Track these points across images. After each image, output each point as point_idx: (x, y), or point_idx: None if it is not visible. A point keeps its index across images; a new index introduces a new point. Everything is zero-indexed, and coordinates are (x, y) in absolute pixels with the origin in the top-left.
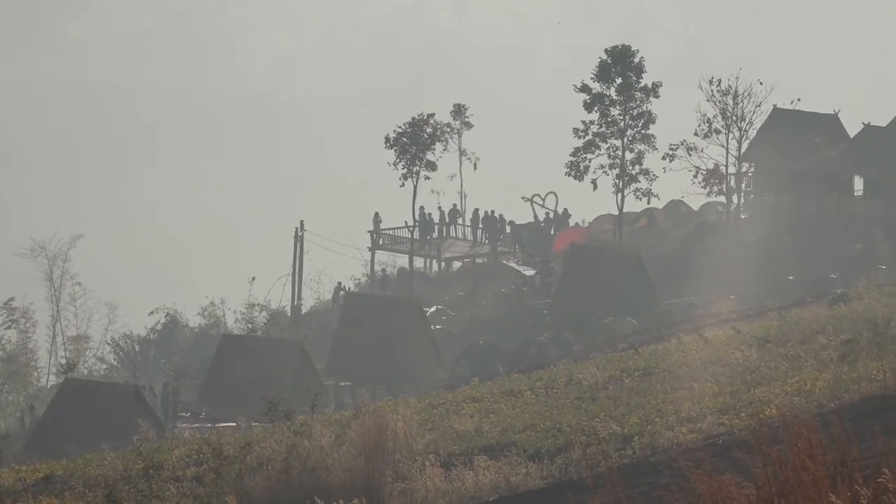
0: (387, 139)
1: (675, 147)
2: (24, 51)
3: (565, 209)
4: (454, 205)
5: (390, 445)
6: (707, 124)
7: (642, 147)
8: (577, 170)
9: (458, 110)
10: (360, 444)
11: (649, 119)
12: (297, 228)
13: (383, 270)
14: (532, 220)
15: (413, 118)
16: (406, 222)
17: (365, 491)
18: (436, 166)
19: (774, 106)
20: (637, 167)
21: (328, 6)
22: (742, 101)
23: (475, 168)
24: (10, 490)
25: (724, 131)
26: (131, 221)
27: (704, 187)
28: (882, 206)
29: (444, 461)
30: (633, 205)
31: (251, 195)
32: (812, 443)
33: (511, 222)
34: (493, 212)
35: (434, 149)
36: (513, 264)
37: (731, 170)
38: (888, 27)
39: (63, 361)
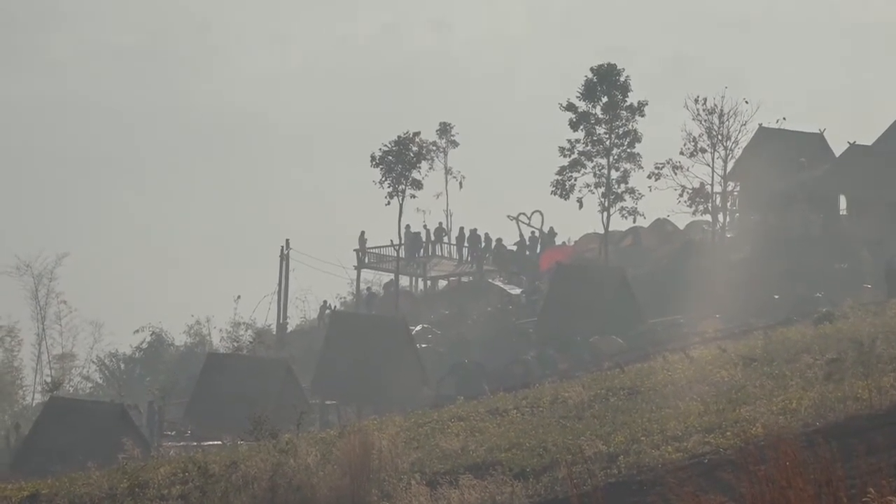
0: (372, 157)
1: (660, 166)
2: (6, 69)
3: (551, 228)
4: (440, 223)
5: (376, 464)
6: (693, 143)
7: (628, 166)
8: (562, 188)
9: (444, 129)
10: (346, 462)
11: (635, 138)
12: (282, 247)
13: (369, 289)
14: (518, 238)
15: (399, 137)
16: (392, 241)
17: None
18: (421, 185)
19: (760, 125)
20: (623, 186)
21: (312, 25)
22: (727, 120)
23: (461, 186)
24: None
25: (709, 150)
26: (117, 240)
27: (690, 206)
28: (867, 226)
29: (429, 480)
30: (619, 223)
31: (237, 214)
32: (798, 462)
33: (499, 240)
34: (477, 230)
35: (420, 167)
36: (498, 283)
37: (717, 189)
38: (872, 47)
39: (48, 380)
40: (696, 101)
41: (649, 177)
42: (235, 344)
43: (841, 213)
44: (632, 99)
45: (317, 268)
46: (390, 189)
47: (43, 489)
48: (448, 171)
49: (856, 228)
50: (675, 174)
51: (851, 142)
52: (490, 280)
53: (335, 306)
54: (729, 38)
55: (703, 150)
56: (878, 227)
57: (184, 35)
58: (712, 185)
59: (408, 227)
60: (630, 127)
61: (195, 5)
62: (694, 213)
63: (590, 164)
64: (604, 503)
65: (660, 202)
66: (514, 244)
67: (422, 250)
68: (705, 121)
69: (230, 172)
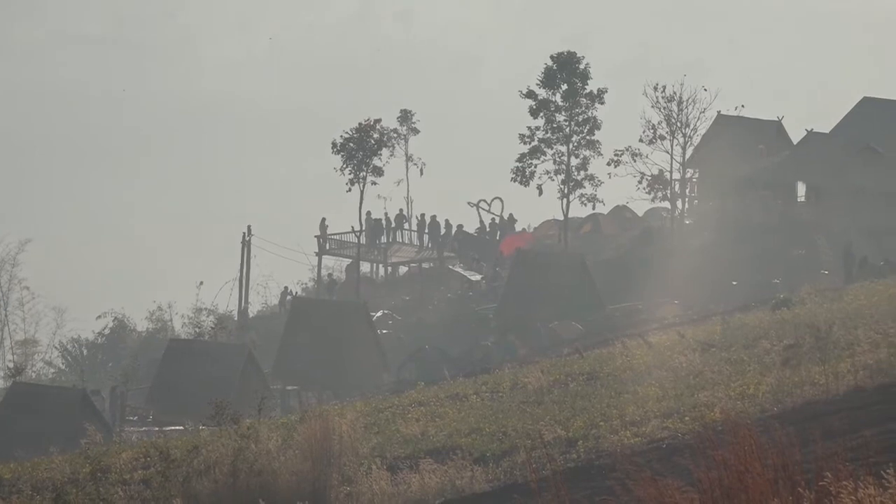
0: (333, 144)
1: (619, 153)
2: None
3: (511, 214)
4: (400, 210)
5: (336, 449)
6: (652, 130)
7: (587, 153)
8: (522, 175)
9: (405, 116)
10: (307, 447)
11: (594, 125)
12: (244, 233)
13: (330, 275)
14: (478, 225)
15: (360, 124)
16: (353, 227)
17: (311, 494)
18: (382, 172)
19: (718, 112)
20: (582, 173)
21: (276, 13)
22: (686, 107)
23: (422, 173)
24: None
25: (668, 137)
26: (80, 226)
27: (649, 193)
28: (824, 212)
29: (389, 465)
30: (579, 210)
31: (199, 200)
32: (755, 446)
33: (459, 227)
34: (436, 217)
35: (381, 154)
36: (459, 269)
37: (676, 176)
38: (831, 37)
39: (11, 365)
40: (656, 88)
41: (609, 164)
42: (197, 330)
43: (799, 199)
44: (591, 86)
45: (278, 254)
46: (351, 176)
47: (5, 474)
48: (409, 158)
49: (813, 215)
50: (635, 161)
51: (809, 129)
52: (450, 266)
53: (296, 292)
54: (689, 27)
55: (662, 138)
56: (835, 213)
57: (150, 22)
58: (671, 172)
59: (369, 213)
60: (589, 114)
61: None
62: (653, 200)
63: (550, 152)
64: (563, 488)
65: (619, 189)
66: (475, 230)
67: (383, 237)
68: (664, 108)
69: (193, 158)
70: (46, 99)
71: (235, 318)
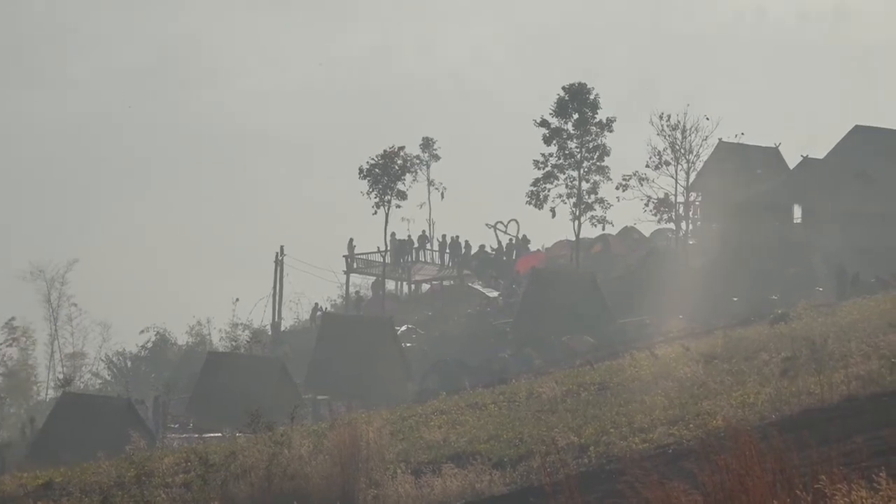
0: (360, 170)
1: (627, 178)
2: (27, 86)
3: (525, 235)
4: (423, 231)
5: (364, 454)
6: (657, 156)
7: (597, 178)
8: (536, 199)
9: (427, 143)
10: (336, 453)
11: (604, 152)
12: (277, 253)
13: (357, 292)
14: (496, 245)
15: (385, 151)
16: (378, 247)
17: (341, 497)
18: (406, 195)
19: (720, 140)
20: (592, 196)
21: (304, 48)
22: (690, 135)
23: (442, 197)
24: (12, 496)
25: (673, 163)
26: (124, 246)
27: (655, 215)
28: (819, 233)
29: (414, 469)
30: (589, 231)
31: (235, 222)
32: (755, 452)
33: (482, 247)
34: (458, 238)
35: (404, 179)
36: (478, 286)
37: (680, 199)
38: (825, 70)
39: (61, 377)
40: (661, 117)
41: (617, 188)
42: (234, 343)
43: (795, 221)
44: (601, 115)
45: (309, 272)
46: (377, 199)
47: (56, 477)
48: (431, 182)
49: (808, 235)
50: (641, 185)
51: (804, 155)
52: (470, 284)
53: (326, 308)
54: (692, 59)
55: (667, 164)
56: (828, 234)
57: (187, 57)
58: (676, 195)
59: (393, 234)
60: (599, 141)
61: (198, 30)
62: (659, 222)
63: (562, 176)
64: (576, 491)
65: (627, 211)
66: (493, 250)
67: (407, 256)
68: (669, 136)
69: (229, 183)
70: (92, 127)
71: (269, 333)
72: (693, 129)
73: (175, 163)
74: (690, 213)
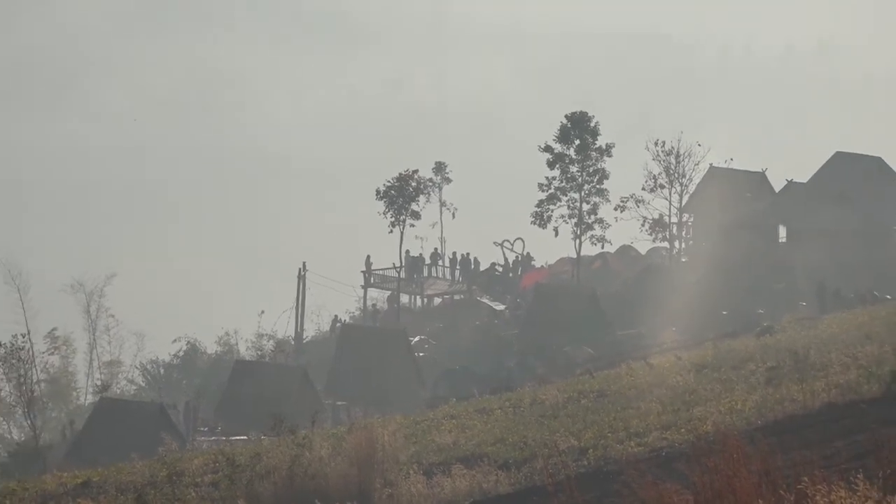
0: (377, 192)
1: (625, 199)
2: (67, 113)
3: (529, 253)
4: (435, 249)
5: (379, 456)
6: (653, 180)
7: (597, 199)
8: (541, 219)
9: (439, 167)
10: (354, 455)
11: (603, 175)
12: (300, 269)
13: (374, 305)
14: (503, 262)
15: (400, 174)
16: (394, 264)
17: (358, 495)
18: (420, 215)
19: (711, 165)
20: (593, 217)
21: (325, 79)
22: (683, 160)
23: (454, 217)
24: (53, 493)
25: (667, 186)
26: (158, 262)
27: (651, 234)
28: (802, 251)
29: (425, 470)
30: (589, 249)
31: (261, 240)
32: (742, 454)
33: (493, 264)
34: (468, 255)
35: (418, 200)
36: (486, 300)
37: (674, 219)
38: (808, 100)
39: (98, 383)
40: (656, 143)
41: (615, 209)
42: (259, 352)
43: (780, 240)
44: (601, 141)
45: (329, 286)
46: (392, 219)
47: (94, 477)
48: (443, 203)
49: (792, 254)
50: (638, 207)
51: (789, 179)
52: (478, 298)
53: (345, 320)
54: (686, 90)
55: (662, 186)
56: (811, 252)
57: (214, 88)
58: (670, 216)
59: (408, 251)
60: (599, 166)
61: (225, 63)
62: (654, 241)
63: (564, 198)
64: (575, 490)
65: (625, 231)
66: (500, 266)
67: (420, 272)
68: (664, 161)
69: (255, 204)
70: (129, 152)
71: (292, 343)
72: (686, 154)
73: (205, 186)
74: (683, 232)
